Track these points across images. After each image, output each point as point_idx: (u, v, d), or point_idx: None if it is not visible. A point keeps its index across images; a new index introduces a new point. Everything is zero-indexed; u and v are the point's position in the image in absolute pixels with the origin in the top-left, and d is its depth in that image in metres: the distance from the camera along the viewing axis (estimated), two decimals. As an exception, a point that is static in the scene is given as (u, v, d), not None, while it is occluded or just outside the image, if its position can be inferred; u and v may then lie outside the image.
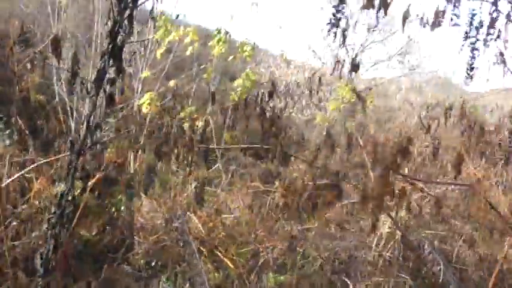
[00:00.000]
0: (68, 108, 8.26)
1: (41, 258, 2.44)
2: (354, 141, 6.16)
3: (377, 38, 20.16)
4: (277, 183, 7.62)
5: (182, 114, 6.94)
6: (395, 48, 20.06)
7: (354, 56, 4.68)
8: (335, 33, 3.85)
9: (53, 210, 2.44)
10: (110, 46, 2.43)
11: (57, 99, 8.42)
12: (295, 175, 8.41)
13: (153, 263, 4.64)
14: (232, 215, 6.08)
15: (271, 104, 6.03)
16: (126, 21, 2.43)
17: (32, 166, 4.65)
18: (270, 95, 5.57)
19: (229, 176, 7.99)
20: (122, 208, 5.30)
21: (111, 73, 2.52)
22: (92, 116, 2.49)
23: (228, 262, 4.94)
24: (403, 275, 4.55)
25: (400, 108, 16.17)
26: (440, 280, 4.51)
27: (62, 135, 7.80)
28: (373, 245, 5.02)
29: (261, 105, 5.43)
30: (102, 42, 7.35)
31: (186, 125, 6.97)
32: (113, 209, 5.17)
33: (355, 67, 4.68)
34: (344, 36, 3.98)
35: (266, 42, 25.36)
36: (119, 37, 2.43)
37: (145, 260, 4.65)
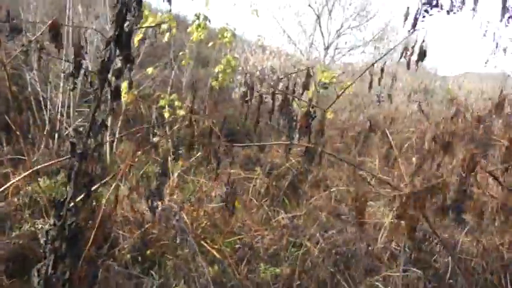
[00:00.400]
0: (41, 99, 8.02)
1: (39, 276, 2.17)
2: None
3: (353, 24, 20.15)
4: (258, 169, 7.48)
5: (162, 103, 6.75)
6: (371, 34, 20.09)
7: (422, 42, 4.43)
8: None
9: (52, 221, 2.18)
10: (116, 32, 2.17)
11: (29, 89, 8.14)
12: (276, 161, 8.31)
13: (139, 258, 4.47)
14: (214, 204, 5.90)
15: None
16: (134, 4, 2.19)
17: (38, 167, 4.34)
18: (305, 87, 5.16)
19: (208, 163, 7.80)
20: (103, 201, 5.10)
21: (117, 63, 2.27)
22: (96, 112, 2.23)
23: (216, 253, 4.78)
24: (410, 268, 4.46)
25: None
26: (449, 271, 4.44)
27: (36, 127, 7.55)
28: (379, 237, 4.89)
29: (285, 97, 5.06)
30: (74, 31, 7.08)
31: (166, 114, 6.79)
32: (94, 203, 4.96)
33: (422, 55, 4.46)
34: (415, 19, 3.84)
35: (240, 28, 25.13)
36: (127, 22, 2.18)
37: (132, 255, 4.47)
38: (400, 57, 4.51)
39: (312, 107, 4.71)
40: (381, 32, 20.09)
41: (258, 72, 14.57)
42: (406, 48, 4.42)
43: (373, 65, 4.93)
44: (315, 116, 4.77)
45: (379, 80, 5.27)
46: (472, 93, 15.48)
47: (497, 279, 4.50)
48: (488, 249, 4.65)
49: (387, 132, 5.91)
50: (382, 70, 5.14)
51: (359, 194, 3.51)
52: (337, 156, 6.76)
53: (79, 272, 2.20)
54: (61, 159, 5.02)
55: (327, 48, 20.02)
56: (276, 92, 5.00)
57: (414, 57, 4.46)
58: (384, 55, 4.62)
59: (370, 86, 5.23)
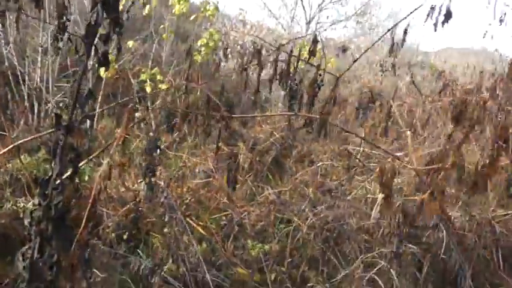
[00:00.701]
0: (19, 74, 7.81)
1: (24, 260, 2.01)
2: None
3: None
4: (241, 144, 7.39)
5: (144, 77, 6.61)
6: (353, 8, 19.95)
7: (448, 2, 4.22)
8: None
9: (36, 201, 2.03)
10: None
11: (6, 63, 7.91)
12: (260, 136, 8.21)
13: (124, 237, 4.36)
14: (200, 180, 5.81)
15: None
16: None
17: (19, 142, 4.14)
18: (312, 53, 4.92)
19: (191, 139, 7.70)
20: (86, 178, 4.97)
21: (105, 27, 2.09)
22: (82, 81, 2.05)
23: (201, 230, 4.70)
24: (404, 243, 4.40)
25: (363, 67, 16.02)
26: (443, 247, 4.40)
27: (15, 102, 7.37)
28: (372, 213, 4.80)
29: (287, 65, 4.87)
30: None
31: (148, 89, 6.66)
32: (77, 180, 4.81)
33: (448, 16, 4.28)
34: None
35: (220, 2, 24.76)
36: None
37: (116, 233, 4.37)
38: (426, 18, 4.32)
39: (320, 75, 4.54)
40: (363, 7, 19.95)
41: (239, 47, 14.38)
42: (432, 8, 4.24)
43: (396, 25, 4.70)
44: (322, 85, 4.61)
45: (402, 42, 5.07)
46: (457, 67, 15.47)
47: (489, 254, 4.48)
48: (481, 224, 4.62)
49: (392, 103, 5.77)
50: (405, 32, 4.95)
51: (386, 168, 3.32)
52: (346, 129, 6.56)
53: (70, 258, 2.07)
54: (44, 133, 4.87)
55: (308, 23, 19.84)
56: (279, 59, 4.80)
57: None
58: (410, 13, 4.33)
59: (391, 51, 5.03)
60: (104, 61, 2.07)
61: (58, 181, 2.01)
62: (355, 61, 4.75)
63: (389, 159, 4.98)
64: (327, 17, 20.18)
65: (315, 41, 4.76)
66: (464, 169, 3.27)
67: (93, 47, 2.01)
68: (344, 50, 5.15)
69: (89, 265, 2.30)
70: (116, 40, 2.25)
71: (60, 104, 7.45)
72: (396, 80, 12.76)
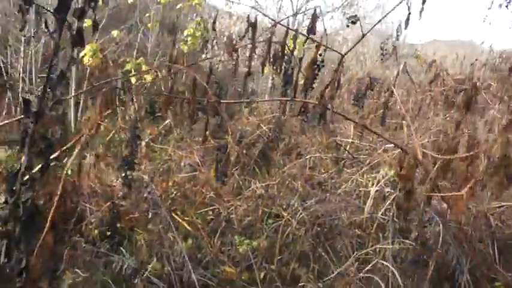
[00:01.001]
0: (1, 64, 7.66)
1: None
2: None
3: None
4: (228, 137, 7.24)
5: (129, 66, 6.44)
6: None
7: None
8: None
9: (2, 198, 1.82)
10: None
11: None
12: (247, 128, 8.06)
13: (108, 233, 4.20)
14: (187, 174, 5.67)
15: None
16: None
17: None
18: (311, 31, 4.59)
19: (177, 131, 7.56)
20: (69, 172, 4.79)
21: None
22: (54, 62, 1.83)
23: (187, 226, 4.57)
24: (400, 239, 4.26)
25: (351, 59, 15.92)
26: (440, 241, 4.26)
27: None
28: (366, 207, 4.63)
29: (282, 46, 4.59)
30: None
31: (133, 79, 6.50)
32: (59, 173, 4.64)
33: None
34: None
35: (205, -7, 24.44)
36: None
37: (100, 229, 4.20)
38: None
39: (320, 55, 4.24)
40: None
41: (225, 38, 14.19)
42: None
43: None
44: (323, 65, 4.31)
45: (420, 12, 4.74)
46: (446, 57, 15.43)
47: (485, 247, 4.36)
48: (477, 217, 4.50)
49: (393, 89, 5.58)
50: (424, 1, 4.61)
51: (406, 159, 3.07)
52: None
53: (34, 264, 1.86)
54: (14, 119, 4.68)
55: (295, 14, 19.66)
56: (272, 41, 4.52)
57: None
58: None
59: (406, 24, 4.68)
60: (78, 39, 1.86)
61: (27, 176, 1.81)
62: (362, 36, 4.45)
63: (380, 151, 4.86)
64: (314, 8, 20.01)
65: (314, 17, 4.45)
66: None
67: (65, 23, 1.80)
68: (353, 21, 4.79)
69: (55, 275, 2.11)
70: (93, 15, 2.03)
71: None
72: (385, 71, 12.67)
